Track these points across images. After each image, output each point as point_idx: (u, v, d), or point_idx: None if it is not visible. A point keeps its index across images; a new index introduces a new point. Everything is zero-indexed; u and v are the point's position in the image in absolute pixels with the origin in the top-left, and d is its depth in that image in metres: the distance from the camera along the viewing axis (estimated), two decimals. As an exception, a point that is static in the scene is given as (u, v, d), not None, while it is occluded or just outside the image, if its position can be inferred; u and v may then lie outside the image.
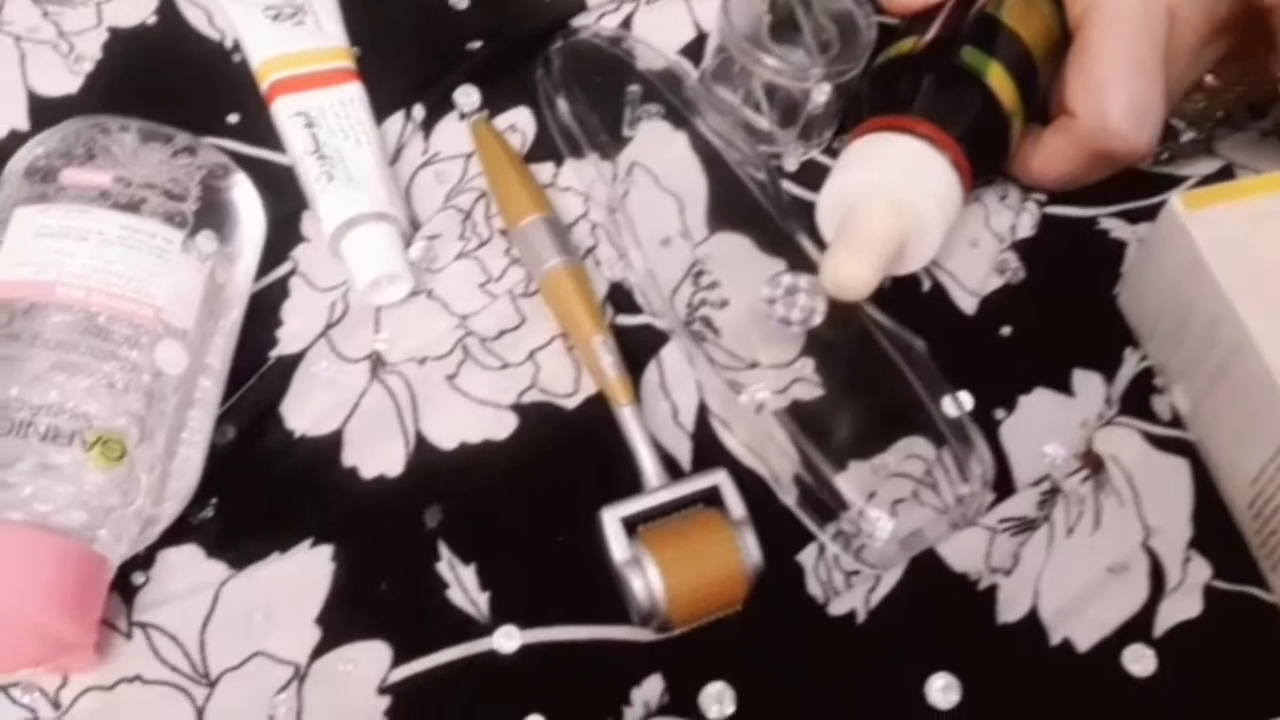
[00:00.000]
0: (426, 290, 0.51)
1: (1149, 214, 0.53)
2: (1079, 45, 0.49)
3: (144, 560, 0.45)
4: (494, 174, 0.53)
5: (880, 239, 0.47)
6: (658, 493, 0.46)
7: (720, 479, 0.46)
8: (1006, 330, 0.51)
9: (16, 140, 0.51)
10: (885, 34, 0.53)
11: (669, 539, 0.44)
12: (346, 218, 0.50)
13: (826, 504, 0.46)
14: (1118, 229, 0.54)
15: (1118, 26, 0.48)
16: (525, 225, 0.51)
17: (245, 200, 0.50)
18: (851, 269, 0.46)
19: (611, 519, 0.44)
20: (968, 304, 0.52)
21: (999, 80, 0.49)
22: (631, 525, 0.45)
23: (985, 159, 0.50)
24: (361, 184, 0.51)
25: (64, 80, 0.55)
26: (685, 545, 0.44)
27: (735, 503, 0.45)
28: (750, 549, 0.44)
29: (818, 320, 0.48)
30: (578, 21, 0.58)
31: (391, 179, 0.52)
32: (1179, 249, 0.47)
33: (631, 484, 0.46)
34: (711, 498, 0.46)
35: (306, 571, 0.45)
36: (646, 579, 0.43)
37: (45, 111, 0.54)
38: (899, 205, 0.47)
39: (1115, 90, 0.48)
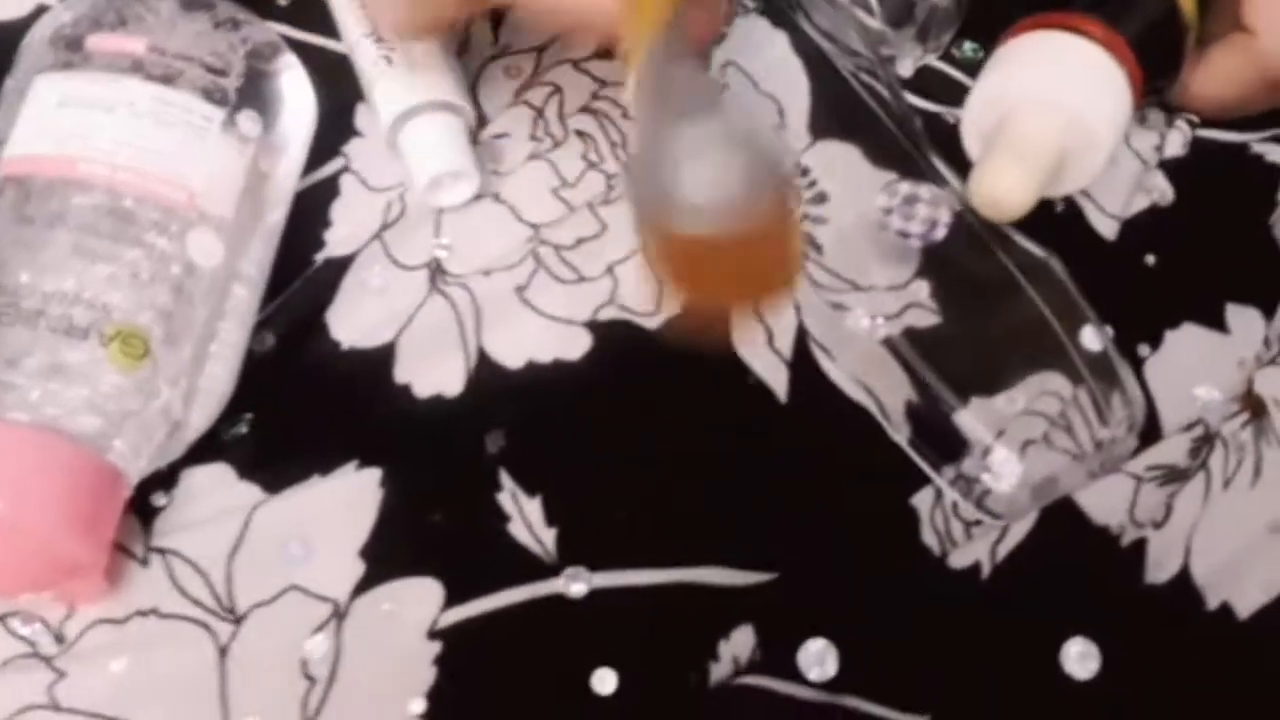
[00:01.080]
0: (493, 194, 0.45)
1: (1310, 138, 0.47)
2: None
3: (166, 479, 0.40)
4: None
5: (1044, 150, 0.41)
6: None
7: None
8: (1151, 259, 0.45)
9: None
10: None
11: None
12: (406, 106, 0.44)
13: (945, 443, 0.40)
14: (1272, 153, 0.48)
15: None
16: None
17: (294, 85, 0.44)
18: (1010, 181, 0.40)
19: None
20: (1107, 228, 0.45)
21: None
22: None
23: (1157, 74, 0.44)
24: (424, 70, 0.45)
25: (98, -44, 0.50)
26: None
27: None
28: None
29: (940, 234, 0.42)
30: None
31: (458, 67, 0.46)
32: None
33: (719, 419, 0.41)
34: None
35: (351, 497, 0.40)
36: None
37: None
38: (1066, 114, 0.41)
39: None
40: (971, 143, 0.44)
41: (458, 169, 0.44)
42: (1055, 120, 0.41)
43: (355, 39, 0.46)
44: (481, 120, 0.47)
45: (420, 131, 0.44)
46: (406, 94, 0.44)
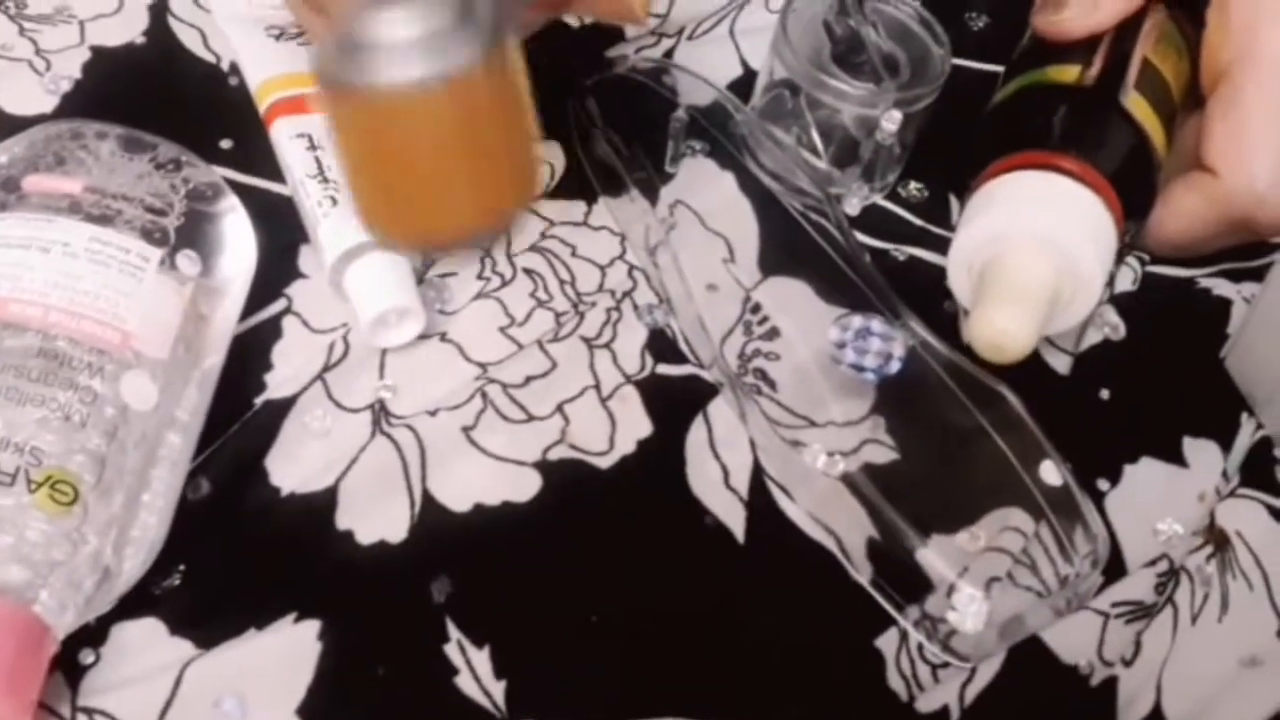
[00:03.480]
0: (439, 333, 0.44)
1: (1253, 274, 0.48)
2: (1227, 96, 0.43)
3: (95, 635, 0.38)
4: None
5: (1041, 290, 0.40)
6: None
7: None
8: (1105, 393, 0.45)
9: (-21, 161, 0.45)
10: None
11: None
12: (351, 245, 0.43)
13: (908, 582, 0.39)
14: (1219, 287, 0.48)
15: (1278, 80, 0.42)
16: None
17: (236, 227, 0.44)
18: (1009, 323, 0.40)
19: None
20: (1060, 363, 0.45)
21: (1154, 125, 0.43)
22: None
23: (1133, 212, 0.44)
24: (369, 210, 0.44)
25: (38, 99, 0.49)
26: None
27: None
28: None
29: (894, 368, 0.42)
30: (614, 51, 0.52)
31: (404, 207, 0.46)
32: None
33: (675, 561, 0.39)
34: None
35: (288, 652, 0.38)
36: None
37: (14, 132, 0.48)
38: (1060, 253, 0.41)
39: (1269, 151, 0.42)
40: (959, 282, 0.43)
41: (403, 306, 0.43)
42: (1050, 259, 0.41)
43: (299, 180, 0.46)
44: (428, 260, 0.46)
45: (365, 269, 0.43)
46: (351, 233, 0.44)
